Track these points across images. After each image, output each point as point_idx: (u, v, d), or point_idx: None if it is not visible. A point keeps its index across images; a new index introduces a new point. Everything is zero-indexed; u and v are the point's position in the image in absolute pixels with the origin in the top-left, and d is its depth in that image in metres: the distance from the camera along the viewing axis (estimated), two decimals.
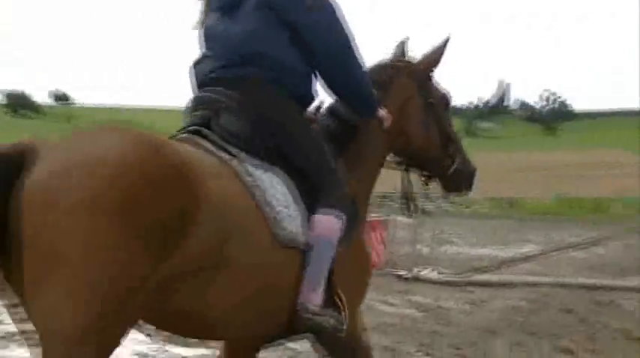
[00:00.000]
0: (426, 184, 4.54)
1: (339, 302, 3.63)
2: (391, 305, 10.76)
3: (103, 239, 2.64)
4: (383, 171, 4.37)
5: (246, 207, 3.28)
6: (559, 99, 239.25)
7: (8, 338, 7.19)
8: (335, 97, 3.96)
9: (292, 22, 3.62)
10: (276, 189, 3.45)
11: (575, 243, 14.53)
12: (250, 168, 3.44)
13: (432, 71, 4.42)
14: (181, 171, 2.91)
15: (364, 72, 3.87)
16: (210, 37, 3.81)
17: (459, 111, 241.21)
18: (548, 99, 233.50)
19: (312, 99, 3.89)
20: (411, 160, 4.45)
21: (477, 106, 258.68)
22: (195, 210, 2.92)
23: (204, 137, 3.52)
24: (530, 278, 12.76)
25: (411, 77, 4.32)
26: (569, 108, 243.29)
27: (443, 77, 4.48)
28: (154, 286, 2.83)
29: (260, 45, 3.63)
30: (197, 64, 3.83)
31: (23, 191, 2.67)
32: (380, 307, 10.57)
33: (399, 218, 15.62)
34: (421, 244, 13.89)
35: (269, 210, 3.36)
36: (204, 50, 3.85)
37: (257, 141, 3.57)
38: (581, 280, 12.67)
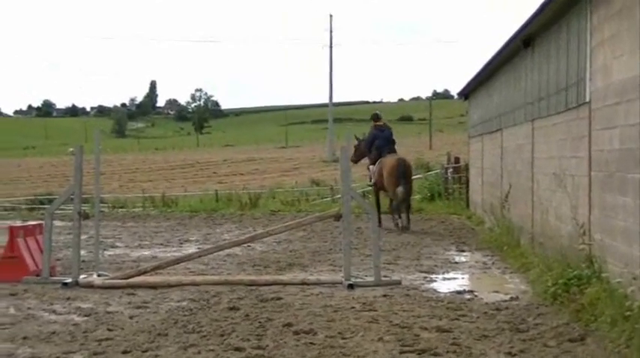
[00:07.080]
0: None
1: None
2: (57, 313, 10.47)
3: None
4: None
5: None
6: (211, 99, 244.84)
7: None
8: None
9: (391, 134, 23.82)
10: None
11: (238, 241, 14.82)
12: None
13: None
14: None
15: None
16: (380, 137, 23.17)
17: (110, 112, 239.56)
18: (199, 98, 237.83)
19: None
20: None
21: (126, 106, 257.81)
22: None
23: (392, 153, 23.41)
24: (194, 278, 12.88)
25: None
26: (218, 107, 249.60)
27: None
28: None
29: (391, 140, 23.62)
30: (378, 143, 23.11)
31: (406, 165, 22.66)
32: (45, 316, 10.30)
33: (56, 222, 15.19)
34: (82, 249, 13.54)
35: None
36: (379, 139, 23.12)
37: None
38: (244, 277, 12.98)
